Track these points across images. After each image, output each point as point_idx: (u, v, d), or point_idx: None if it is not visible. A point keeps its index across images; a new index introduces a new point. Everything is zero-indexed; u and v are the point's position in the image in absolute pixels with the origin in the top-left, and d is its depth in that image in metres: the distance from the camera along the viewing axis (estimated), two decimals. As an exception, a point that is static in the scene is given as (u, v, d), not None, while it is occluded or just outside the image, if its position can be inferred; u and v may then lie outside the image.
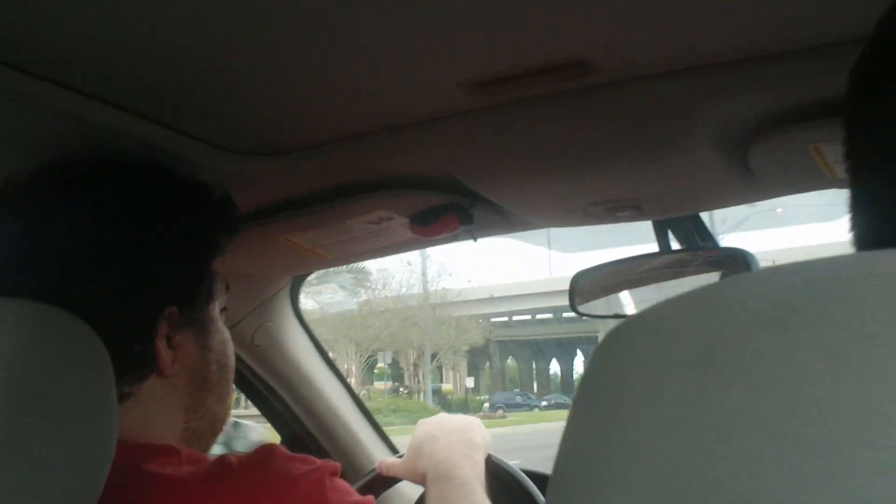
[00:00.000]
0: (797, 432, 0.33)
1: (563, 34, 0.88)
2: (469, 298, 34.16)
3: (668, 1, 0.81)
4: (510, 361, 50.12)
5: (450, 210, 1.43)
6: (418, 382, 36.60)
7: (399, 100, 1.07)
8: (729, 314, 0.38)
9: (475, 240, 1.56)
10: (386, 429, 2.22)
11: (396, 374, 40.57)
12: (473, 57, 0.93)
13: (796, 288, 0.37)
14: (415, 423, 1.57)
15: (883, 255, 0.36)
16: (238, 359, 1.84)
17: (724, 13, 0.85)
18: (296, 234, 1.51)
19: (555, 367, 49.79)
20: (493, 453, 1.56)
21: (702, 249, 1.63)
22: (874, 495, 0.30)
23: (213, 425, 1.11)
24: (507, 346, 47.42)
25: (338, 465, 1.02)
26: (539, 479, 1.69)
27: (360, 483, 1.71)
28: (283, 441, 2.12)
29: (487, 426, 1.56)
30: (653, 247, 1.64)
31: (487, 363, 46.88)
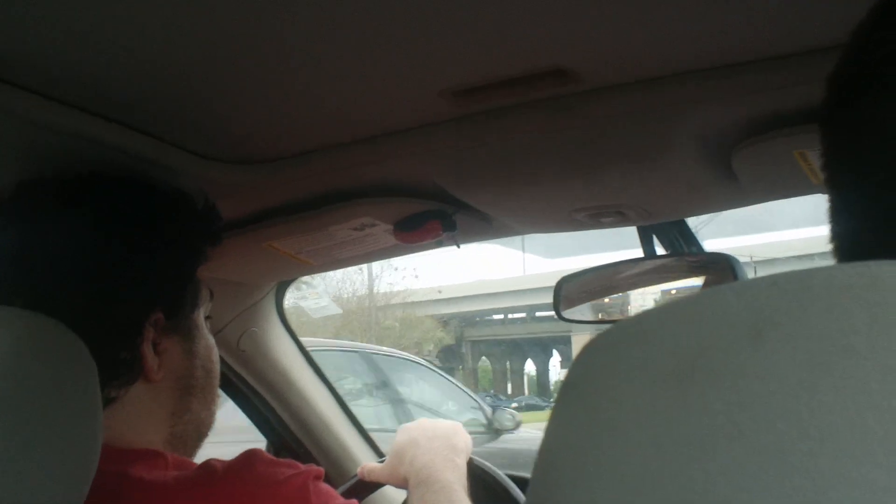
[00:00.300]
0: (778, 447, 0.32)
1: (542, 43, 0.89)
2: (437, 298, 34.04)
3: (648, 9, 0.81)
4: (483, 362, 49.83)
5: (433, 217, 1.43)
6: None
7: (381, 109, 1.07)
8: (709, 326, 0.38)
9: (458, 246, 1.56)
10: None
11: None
12: (454, 66, 0.94)
13: (774, 300, 0.37)
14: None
15: (861, 267, 0.35)
16: (224, 364, 1.84)
17: (705, 20, 0.85)
18: (279, 241, 1.52)
19: (529, 367, 49.61)
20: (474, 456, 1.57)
21: (687, 255, 1.63)
22: None
23: (199, 430, 1.12)
24: (479, 346, 46.76)
25: (322, 469, 1.03)
26: (521, 482, 1.70)
27: (344, 487, 1.71)
28: (269, 446, 2.12)
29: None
30: (637, 252, 1.64)
31: (461, 365, 46.51)
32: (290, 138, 1.17)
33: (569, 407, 0.44)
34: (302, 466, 1.00)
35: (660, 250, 1.64)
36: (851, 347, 0.33)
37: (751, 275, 1.41)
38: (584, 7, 0.80)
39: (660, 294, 1.75)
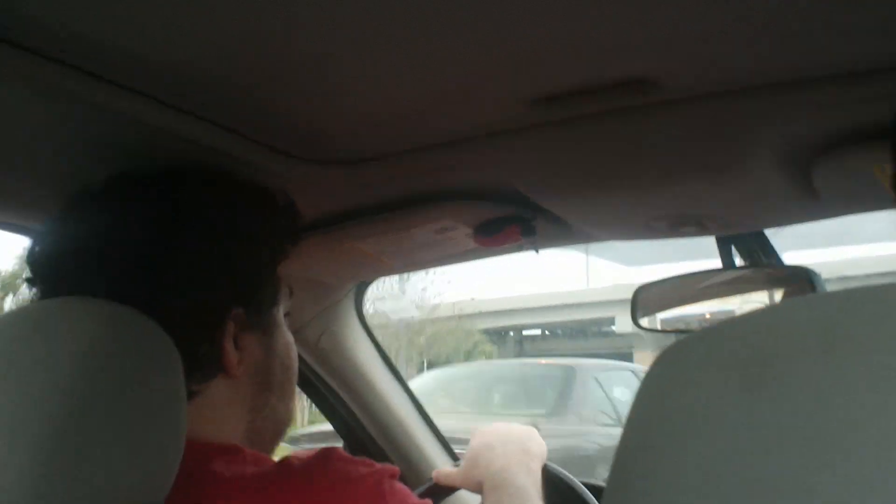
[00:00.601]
0: (846, 454, 0.33)
1: (625, 52, 0.89)
2: (493, 309, 33.03)
3: (731, 21, 0.81)
4: None
5: (512, 221, 1.44)
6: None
7: (464, 113, 1.08)
8: (781, 337, 0.39)
9: (537, 251, 1.57)
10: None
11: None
12: (539, 73, 0.94)
13: (844, 314, 0.37)
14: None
15: None
16: (303, 362, 1.87)
17: (787, 35, 0.85)
18: (361, 241, 1.53)
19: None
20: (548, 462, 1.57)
21: (766, 267, 1.62)
22: None
23: (277, 426, 1.12)
24: None
25: (397, 468, 1.02)
26: (595, 489, 1.69)
27: (419, 490, 1.71)
28: (345, 444, 2.14)
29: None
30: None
31: None
32: (374, 140, 1.18)
33: (644, 412, 0.46)
34: (378, 465, 1.00)
35: (738, 261, 1.63)
36: None
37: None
38: (667, 18, 0.81)
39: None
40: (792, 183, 1.21)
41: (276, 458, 1.04)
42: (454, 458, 2.16)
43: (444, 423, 2.29)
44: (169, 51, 0.88)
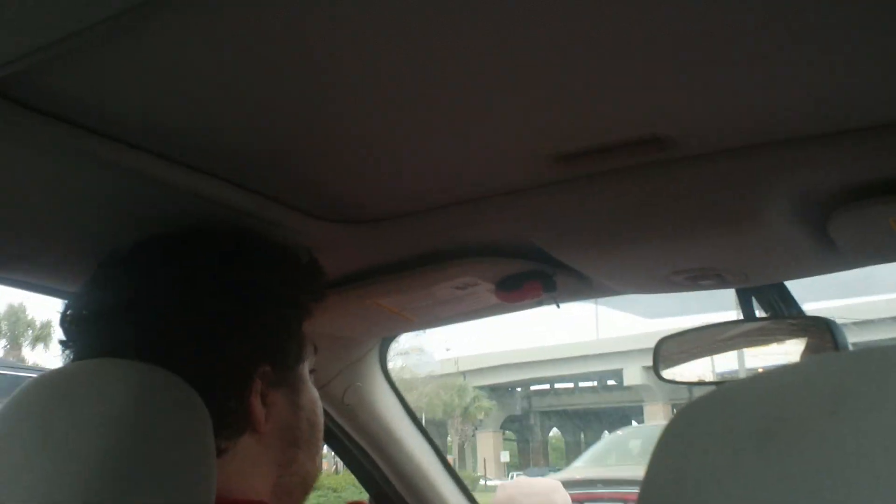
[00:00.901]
0: None
1: (641, 112, 0.91)
2: (498, 364, 32.22)
3: (744, 81, 0.83)
4: (555, 433, 46.29)
5: (533, 277, 1.46)
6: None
7: (485, 172, 1.10)
8: (791, 397, 0.40)
9: (558, 306, 1.58)
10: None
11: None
12: (558, 132, 0.97)
13: (851, 375, 0.39)
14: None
15: None
16: (328, 417, 1.87)
17: (800, 91, 0.87)
18: (383, 298, 1.55)
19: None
20: None
21: (786, 317, 1.63)
22: None
23: (305, 482, 1.13)
24: (549, 417, 43.81)
25: None
26: None
27: None
28: (371, 498, 2.13)
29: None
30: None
31: (529, 437, 43.37)
32: (395, 199, 1.20)
33: (660, 467, 0.47)
34: None
35: (759, 312, 1.64)
36: None
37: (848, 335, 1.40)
38: (681, 79, 0.83)
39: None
40: (809, 235, 1.22)
41: None
42: (479, 511, 2.16)
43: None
44: (198, 120, 0.91)
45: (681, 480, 0.43)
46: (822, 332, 1.54)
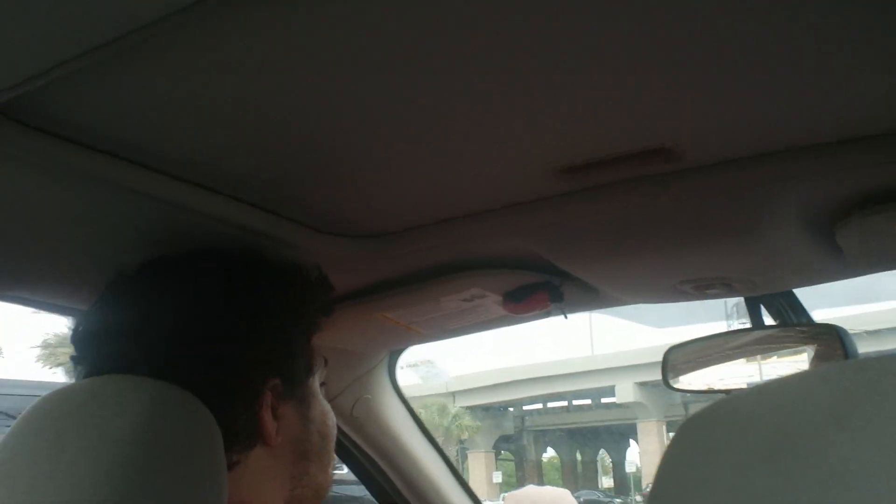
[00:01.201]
0: None
1: (647, 124, 0.92)
2: (490, 383, 31.70)
3: (750, 89, 0.84)
4: (549, 453, 45.48)
5: (541, 288, 1.46)
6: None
7: (491, 185, 1.10)
8: (795, 410, 0.40)
9: (566, 316, 1.58)
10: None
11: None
12: (564, 145, 0.97)
13: (857, 385, 0.39)
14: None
15: None
16: (338, 430, 1.87)
17: (805, 101, 0.87)
18: (391, 312, 1.56)
19: (605, 458, 44.71)
20: None
21: (795, 325, 1.63)
22: None
23: (317, 493, 1.13)
24: (543, 436, 42.81)
25: None
26: None
27: None
28: (382, 511, 2.14)
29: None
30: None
31: (522, 457, 42.12)
32: (402, 213, 1.21)
33: (666, 480, 0.47)
34: None
35: (768, 320, 1.64)
36: None
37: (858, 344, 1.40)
38: (686, 90, 0.83)
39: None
40: (816, 244, 1.22)
41: None
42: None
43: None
44: (205, 140, 0.92)
45: (686, 493, 0.44)
46: (831, 340, 1.54)
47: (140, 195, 1.00)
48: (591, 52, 0.76)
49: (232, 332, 1.04)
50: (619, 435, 40.12)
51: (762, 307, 1.63)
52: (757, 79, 0.81)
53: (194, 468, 0.87)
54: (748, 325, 1.64)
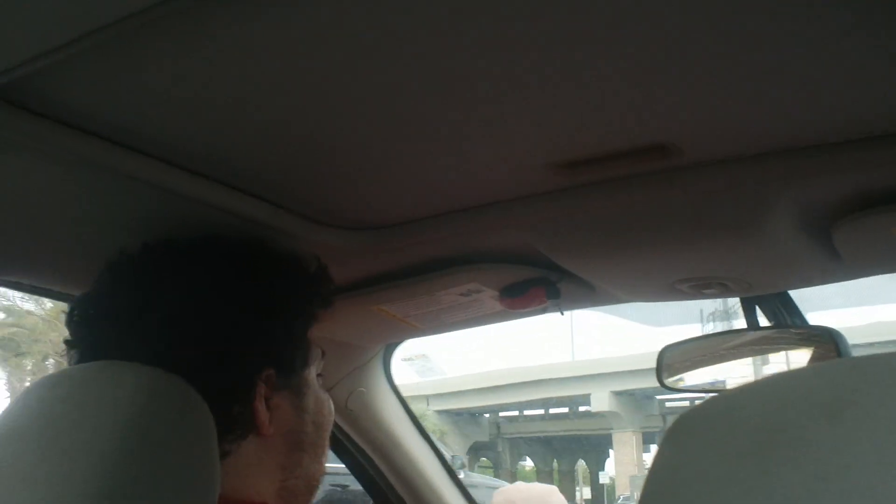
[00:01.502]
0: None
1: (646, 120, 0.92)
2: (465, 388, 31.37)
3: (749, 88, 0.84)
4: (525, 461, 44.21)
5: (538, 284, 1.46)
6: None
7: (490, 180, 1.11)
8: (789, 405, 0.40)
9: (562, 313, 1.58)
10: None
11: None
12: (562, 140, 0.97)
13: (853, 381, 0.39)
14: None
15: None
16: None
17: (805, 101, 0.87)
18: (388, 305, 1.56)
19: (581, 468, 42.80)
20: None
21: (790, 327, 1.63)
22: None
23: (309, 484, 1.13)
24: (519, 444, 41.75)
25: None
26: None
27: None
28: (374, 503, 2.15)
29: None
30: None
31: (497, 465, 40.37)
32: (401, 206, 1.21)
33: (659, 476, 0.47)
34: None
35: (763, 321, 1.64)
36: None
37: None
38: (686, 88, 0.84)
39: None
40: (813, 245, 1.22)
41: None
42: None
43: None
44: (205, 129, 0.92)
45: (679, 489, 0.44)
46: (826, 343, 1.54)
47: (140, 182, 1.01)
48: (593, 48, 0.76)
49: (229, 322, 1.04)
50: (597, 445, 39.23)
51: (758, 308, 1.63)
52: (757, 78, 0.81)
53: (187, 456, 0.87)
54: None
